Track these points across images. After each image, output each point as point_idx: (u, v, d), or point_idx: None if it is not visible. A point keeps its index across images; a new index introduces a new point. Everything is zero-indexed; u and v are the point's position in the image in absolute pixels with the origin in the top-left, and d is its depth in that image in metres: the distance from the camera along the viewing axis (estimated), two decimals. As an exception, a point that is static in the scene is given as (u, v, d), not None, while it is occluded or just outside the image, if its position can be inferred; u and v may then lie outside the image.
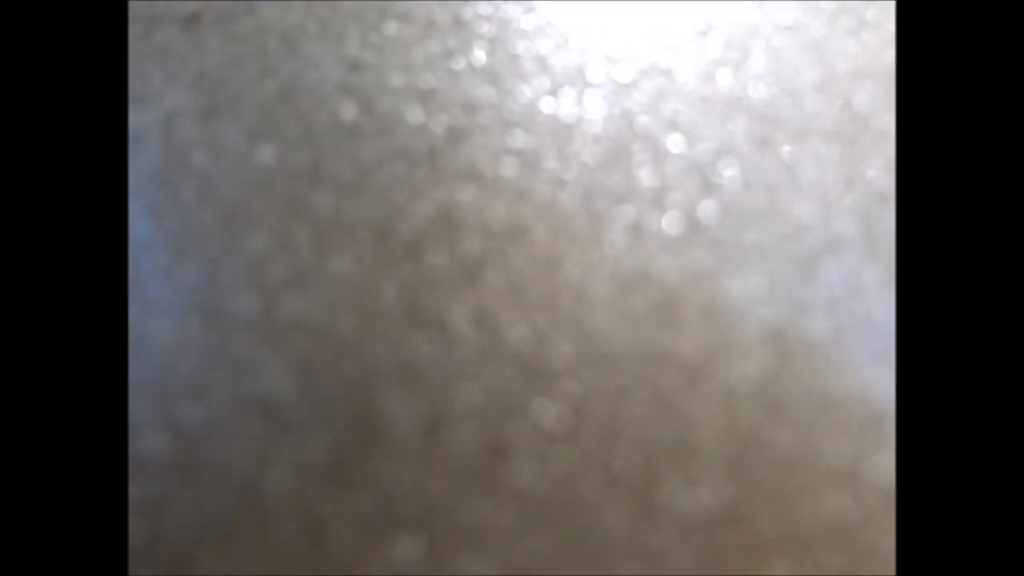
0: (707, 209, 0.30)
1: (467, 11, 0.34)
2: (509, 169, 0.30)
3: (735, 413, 0.27)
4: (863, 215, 0.30)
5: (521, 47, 0.33)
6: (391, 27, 0.33)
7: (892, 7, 0.34)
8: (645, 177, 0.30)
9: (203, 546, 0.26)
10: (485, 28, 0.33)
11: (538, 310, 0.28)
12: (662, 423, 0.27)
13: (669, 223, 0.30)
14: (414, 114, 0.31)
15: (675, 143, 0.31)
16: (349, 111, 0.31)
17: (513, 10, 0.34)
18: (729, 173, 0.31)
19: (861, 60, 0.33)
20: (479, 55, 0.33)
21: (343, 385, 0.27)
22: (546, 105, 0.32)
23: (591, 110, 0.32)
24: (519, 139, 0.31)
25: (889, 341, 0.28)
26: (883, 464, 0.27)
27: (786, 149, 0.31)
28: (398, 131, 0.31)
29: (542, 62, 0.33)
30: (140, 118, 0.31)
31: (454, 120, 0.31)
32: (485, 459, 0.26)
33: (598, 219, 0.29)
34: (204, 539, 0.26)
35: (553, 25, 0.34)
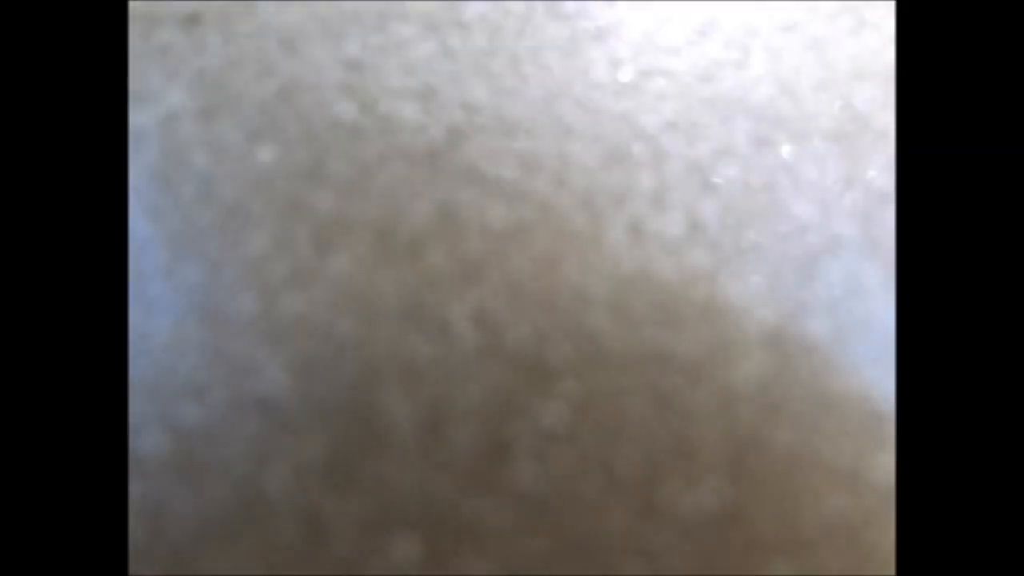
0: (707, 209, 0.30)
1: (467, 11, 0.34)
2: (509, 169, 0.30)
3: (735, 413, 0.27)
4: (863, 215, 0.30)
5: (522, 47, 0.33)
6: (391, 27, 0.33)
7: (892, 7, 0.34)
8: (645, 177, 0.30)
9: (203, 546, 0.26)
10: (485, 28, 0.33)
11: (538, 310, 0.28)
12: (662, 423, 0.27)
13: (669, 223, 0.30)
14: (414, 114, 0.31)
15: (675, 143, 0.31)
16: (349, 111, 0.31)
17: (513, 10, 0.34)
18: (729, 173, 0.31)
19: (861, 60, 0.33)
20: (479, 55, 0.33)
21: (343, 385, 0.27)
22: (547, 105, 0.32)
23: (591, 110, 0.32)
24: (519, 139, 0.31)
25: (889, 341, 0.28)
26: (883, 464, 0.27)
27: (786, 149, 0.31)
28: (398, 131, 0.31)
29: (542, 62, 0.33)
30: (140, 118, 0.31)
31: (454, 120, 0.31)
32: (485, 459, 0.26)
33: (598, 219, 0.29)
34: (204, 539, 0.26)
35: (553, 25, 0.34)
